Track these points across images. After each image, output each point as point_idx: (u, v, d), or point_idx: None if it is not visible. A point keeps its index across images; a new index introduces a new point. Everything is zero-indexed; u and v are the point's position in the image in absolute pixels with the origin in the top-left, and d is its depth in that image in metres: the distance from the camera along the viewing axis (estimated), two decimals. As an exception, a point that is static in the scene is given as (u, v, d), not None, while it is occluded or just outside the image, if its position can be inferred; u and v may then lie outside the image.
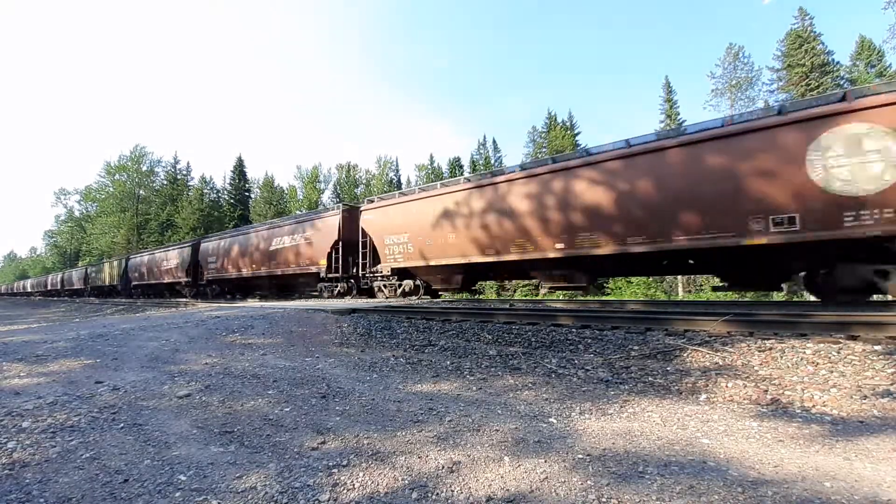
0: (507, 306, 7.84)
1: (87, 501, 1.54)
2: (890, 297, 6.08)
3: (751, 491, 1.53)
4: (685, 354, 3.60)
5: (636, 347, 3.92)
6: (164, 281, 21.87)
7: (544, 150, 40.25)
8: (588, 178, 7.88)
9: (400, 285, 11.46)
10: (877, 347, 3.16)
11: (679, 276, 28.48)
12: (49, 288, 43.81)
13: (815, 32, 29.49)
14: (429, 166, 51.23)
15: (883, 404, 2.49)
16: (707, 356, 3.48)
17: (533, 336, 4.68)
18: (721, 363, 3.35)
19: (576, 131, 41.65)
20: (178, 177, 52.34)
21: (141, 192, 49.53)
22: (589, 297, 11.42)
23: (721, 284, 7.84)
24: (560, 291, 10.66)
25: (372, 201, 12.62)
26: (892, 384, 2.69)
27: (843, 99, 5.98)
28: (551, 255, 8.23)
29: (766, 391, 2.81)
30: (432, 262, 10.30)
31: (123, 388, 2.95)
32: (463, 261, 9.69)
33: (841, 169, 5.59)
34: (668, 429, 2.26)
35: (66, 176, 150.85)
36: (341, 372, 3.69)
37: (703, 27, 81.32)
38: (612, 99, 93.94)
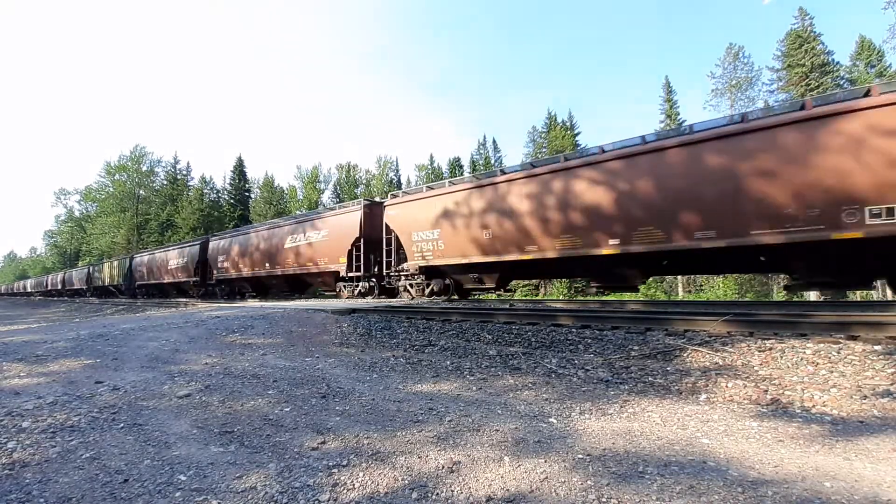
0: (507, 306, 7.84)
1: (87, 501, 1.54)
2: (890, 297, 6.04)
3: (751, 491, 1.53)
4: (685, 354, 3.60)
5: (636, 347, 3.92)
6: (171, 280, 21.32)
7: (544, 150, 40.24)
8: (650, 167, 7.10)
9: (428, 284, 10.77)
10: (877, 347, 3.16)
11: (679, 276, 28.44)
12: (50, 288, 43.31)
13: (815, 32, 29.48)
14: (429, 166, 51.24)
15: (883, 404, 2.49)
16: (707, 356, 3.48)
17: (533, 336, 4.68)
18: (721, 363, 3.35)
19: (576, 131, 41.64)
20: (178, 177, 52.31)
21: (141, 192, 49.52)
22: (589, 297, 11.31)
23: (795, 283, 7.13)
24: (609, 292, 9.93)
25: (396, 195, 11.99)
26: (892, 384, 2.69)
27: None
28: (606, 251, 7.46)
29: (766, 391, 2.81)
30: (466, 260, 9.64)
31: (123, 388, 2.95)
32: (501, 259, 8.99)
33: None
34: (668, 429, 2.26)
35: (66, 176, 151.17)
36: (341, 372, 3.69)
37: (703, 27, 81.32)
38: (613, 99, 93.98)
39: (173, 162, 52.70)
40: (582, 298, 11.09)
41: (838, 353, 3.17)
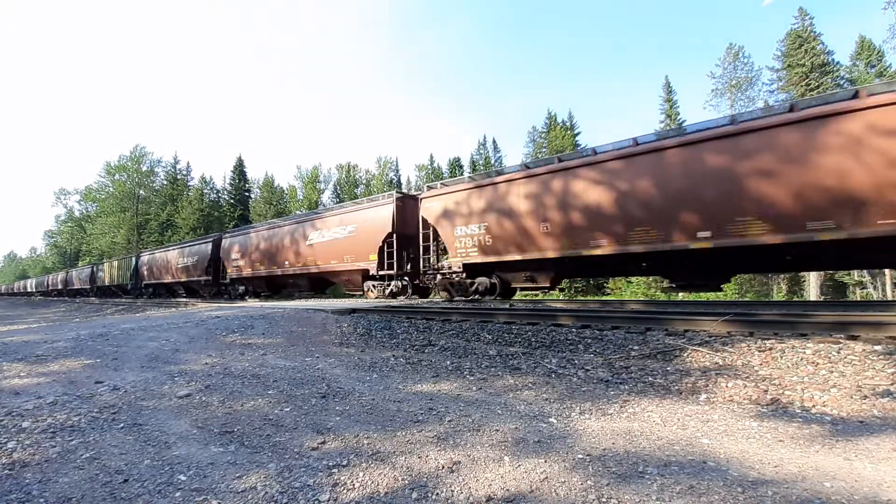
0: (507, 306, 7.80)
1: (87, 501, 1.54)
2: (890, 297, 6.03)
3: (751, 491, 1.53)
4: (685, 354, 3.60)
5: (636, 347, 3.92)
6: (180, 280, 20.50)
7: (544, 150, 40.24)
8: (745, 150, 6.36)
9: (472, 284, 9.94)
10: (877, 347, 3.16)
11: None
12: (52, 288, 42.56)
13: (815, 32, 29.47)
14: (429, 166, 51.25)
15: (883, 404, 2.49)
16: (707, 356, 3.48)
17: (533, 336, 4.68)
18: (721, 363, 3.35)
19: (576, 131, 41.66)
20: (178, 177, 52.32)
21: (141, 192, 49.54)
22: (589, 297, 11.12)
23: None
24: (691, 291, 8.68)
25: (433, 187, 11.09)
26: (892, 384, 2.69)
27: None
28: (695, 245, 6.62)
29: (766, 391, 2.81)
30: (519, 257, 8.81)
31: (123, 388, 2.95)
32: (562, 255, 8.14)
33: None
34: (668, 429, 2.26)
35: (66, 176, 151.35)
36: (341, 372, 3.69)
37: (703, 27, 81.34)
38: (612, 99, 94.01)
39: (173, 162, 52.77)
40: (582, 298, 10.87)
41: (838, 353, 3.17)
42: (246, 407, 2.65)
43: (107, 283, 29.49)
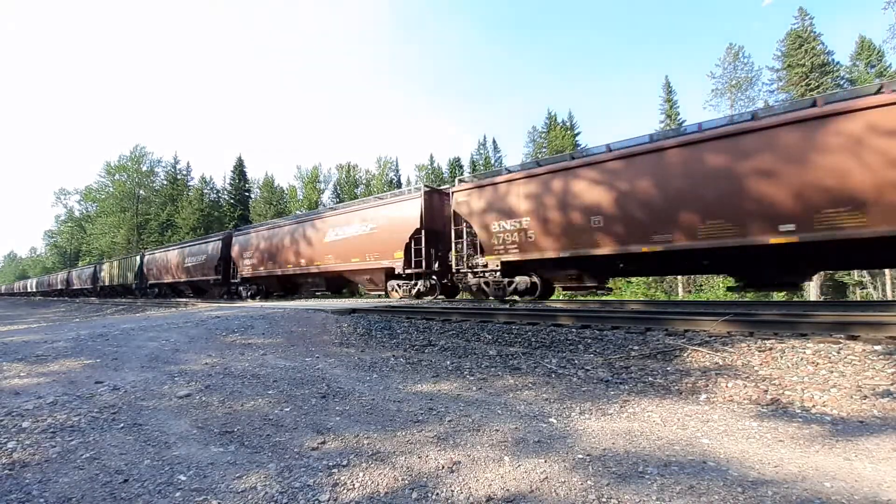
0: (507, 306, 7.79)
1: (87, 501, 1.54)
2: (890, 297, 6.02)
3: (751, 491, 1.53)
4: (685, 354, 3.60)
5: (636, 347, 3.92)
6: (188, 279, 19.75)
7: (544, 150, 40.27)
8: (839, 132, 5.69)
9: (511, 283, 9.32)
10: (877, 347, 3.16)
11: (679, 277, 28.42)
12: (54, 287, 41.75)
13: (815, 32, 29.48)
14: (429, 166, 51.25)
15: (883, 404, 2.49)
16: (707, 356, 3.48)
17: (533, 336, 4.68)
18: (721, 363, 3.35)
19: (576, 131, 41.69)
20: (178, 177, 52.33)
21: (141, 192, 49.55)
22: (589, 297, 10.92)
23: None
24: (765, 291, 8.29)
25: (464, 180, 10.43)
26: (892, 384, 2.69)
27: None
28: (775, 240, 6.01)
29: (766, 391, 2.81)
30: (566, 254, 8.13)
31: (123, 388, 2.95)
32: (618, 251, 7.47)
33: None
34: (668, 429, 2.26)
35: (66, 176, 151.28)
36: (341, 372, 3.69)
37: (703, 27, 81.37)
38: (612, 99, 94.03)
39: (173, 162, 52.79)
40: (582, 298, 10.66)
41: (838, 353, 3.17)
42: (246, 407, 2.65)
43: (110, 283, 28.79)
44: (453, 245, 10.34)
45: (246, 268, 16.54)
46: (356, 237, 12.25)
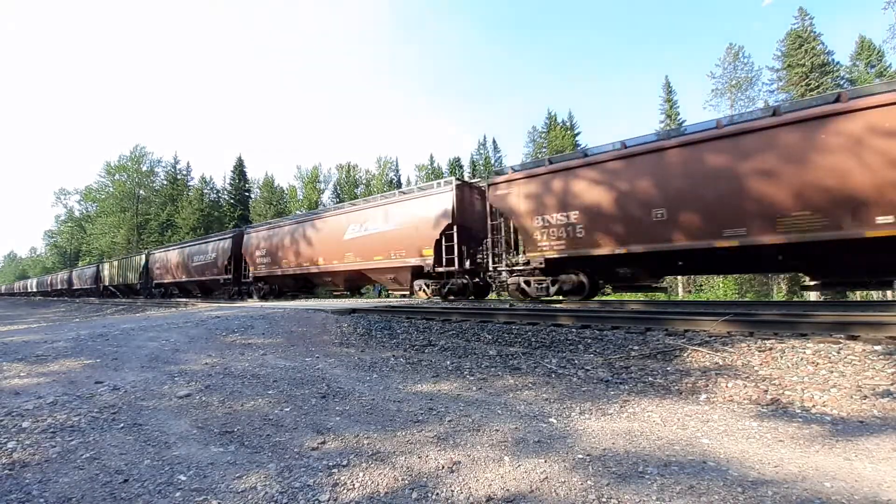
0: (507, 306, 7.77)
1: (87, 501, 1.54)
2: (890, 297, 5.97)
3: (751, 491, 1.53)
4: (685, 354, 3.60)
5: (636, 347, 3.92)
6: (196, 279, 19.13)
7: (544, 150, 40.28)
8: None
9: (555, 281, 8.65)
10: (877, 347, 3.16)
11: (679, 276, 28.40)
12: (55, 288, 40.96)
13: (814, 32, 29.51)
14: (429, 166, 51.28)
15: (883, 404, 2.49)
16: (707, 356, 3.48)
17: (533, 336, 4.68)
18: (721, 363, 3.35)
19: (576, 131, 41.71)
20: (178, 177, 52.37)
21: (141, 192, 49.59)
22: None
23: None
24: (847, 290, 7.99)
25: (501, 172, 9.73)
26: (892, 384, 2.69)
27: None
28: (869, 233, 5.48)
29: (766, 391, 2.81)
30: (621, 250, 7.49)
31: (123, 388, 2.95)
32: (683, 246, 6.86)
33: None
34: (668, 429, 2.26)
35: (66, 176, 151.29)
36: (341, 372, 3.69)
37: (703, 27, 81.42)
38: (612, 99, 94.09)
39: (173, 162, 52.87)
40: (582, 298, 10.53)
41: (838, 353, 3.17)
42: (246, 407, 2.65)
43: (113, 283, 27.96)
44: (489, 241, 9.62)
45: (259, 267, 15.94)
46: (380, 234, 11.54)
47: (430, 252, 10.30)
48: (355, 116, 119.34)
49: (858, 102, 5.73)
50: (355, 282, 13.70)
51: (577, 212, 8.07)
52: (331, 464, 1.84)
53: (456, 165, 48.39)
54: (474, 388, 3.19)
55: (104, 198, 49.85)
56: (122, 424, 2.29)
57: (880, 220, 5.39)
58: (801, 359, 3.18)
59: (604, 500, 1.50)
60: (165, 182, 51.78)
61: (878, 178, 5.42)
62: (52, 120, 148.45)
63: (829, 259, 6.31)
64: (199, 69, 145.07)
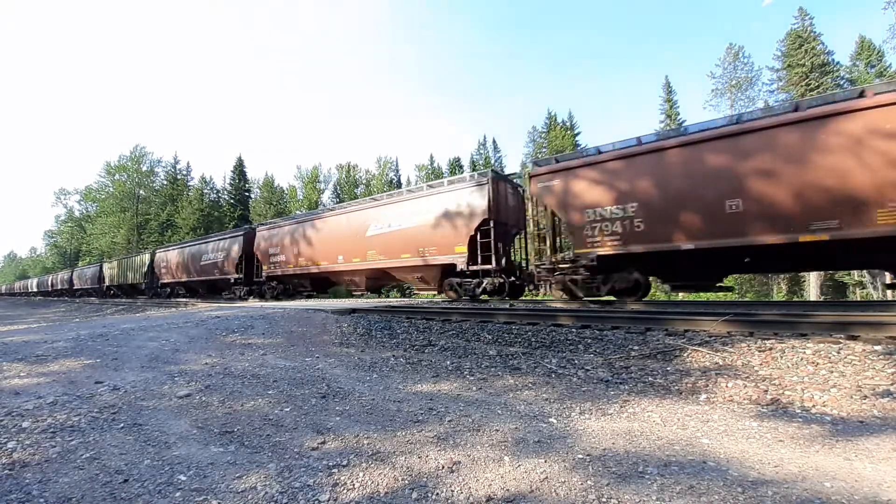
0: (507, 306, 7.76)
1: (87, 501, 1.54)
2: (890, 297, 5.90)
3: (751, 491, 1.53)
4: (685, 354, 3.60)
5: (636, 347, 3.92)
6: (205, 278, 18.54)
7: (544, 149, 40.25)
8: None
9: (606, 280, 8.00)
10: (877, 347, 3.16)
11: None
12: (56, 288, 40.40)
13: (815, 32, 29.51)
14: (429, 166, 51.23)
15: (883, 404, 2.49)
16: (707, 356, 3.48)
17: (533, 336, 4.68)
18: (721, 363, 3.35)
19: (576, 131, 41.66)
20: (178, 177, 52.35)
21: (141, 192, 49.58)
22: (589, 297, 10.68)
23: None
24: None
25: (544, 162, 9.00)
26: (892, 384, 2.69)
27: None
28: None
29: (766, 391, 2.81)
30: (690, 245, 6.78)
31: (123, 388, 2.95)
32: (765, 241, 6.19)
33: None
34: (668, 429, 2.26)
35: (66, 176, 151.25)
36: (341, 372, 3.69)
37: (703, 27, 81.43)
38: (612, 99, 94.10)
39: (173, 162, 52.81)
40: (581, 298, 10.39)
41: (838, 353, 3.17)
42: (246, 407, 2.65)
43: (117, 283, 27.32)
44: (531, 237, 9.01)
45: (272, 266, 15.32)
46: (407, 230, 10.89)
47: (463, 249, 9.72)
48: (355, 116, 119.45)
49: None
50: (378, 281, 13.03)
51: (635, 204, 7.31)
52: (331, 464, 1.84)
53: (456, 165, 48.32)
54: (474, 388, 3.19)
55: (104, 198, 49.84)
56: (122, 424, 2.29)
57: None
58: (801, 359, 3.18)
59: (604, 500, 1.50)
60: (165, 182, 51.75)
61: None
62: (52, 120, 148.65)
63: None
64: (199, 69, 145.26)
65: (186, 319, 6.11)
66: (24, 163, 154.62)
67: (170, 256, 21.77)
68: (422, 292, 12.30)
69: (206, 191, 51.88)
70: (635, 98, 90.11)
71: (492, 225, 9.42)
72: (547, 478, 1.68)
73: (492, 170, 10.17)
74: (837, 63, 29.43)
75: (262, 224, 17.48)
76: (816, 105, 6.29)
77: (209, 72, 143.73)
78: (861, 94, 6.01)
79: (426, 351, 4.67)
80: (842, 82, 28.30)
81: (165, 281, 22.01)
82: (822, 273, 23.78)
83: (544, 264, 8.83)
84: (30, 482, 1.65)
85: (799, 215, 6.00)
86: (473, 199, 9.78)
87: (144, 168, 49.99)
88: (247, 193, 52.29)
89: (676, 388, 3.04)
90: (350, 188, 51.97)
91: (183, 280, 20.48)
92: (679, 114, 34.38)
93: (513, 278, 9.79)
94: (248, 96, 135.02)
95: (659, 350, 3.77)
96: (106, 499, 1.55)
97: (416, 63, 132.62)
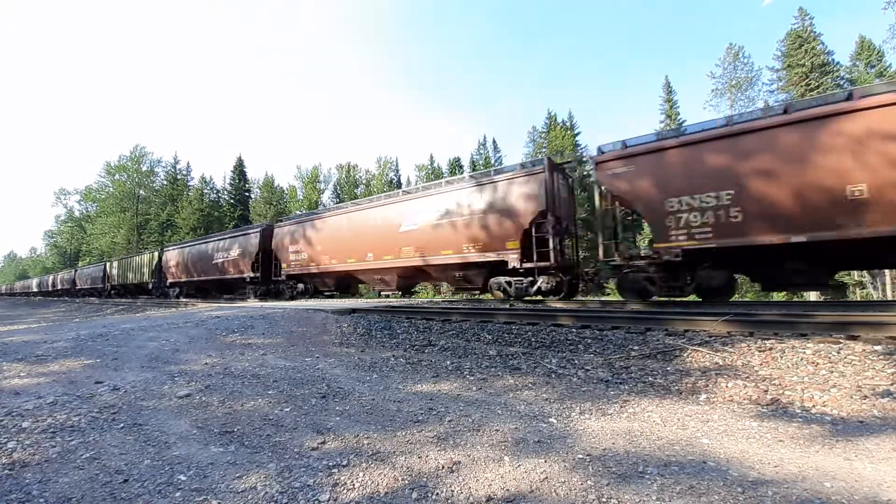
0: (507, 306, 7.74)
1: (87, 501, 1.54)
2: (890, 297, 5.83)
3: (751, 491, 1.53)
4: (685, 354, 3.60)
5: (636, 347, 3.92)
6: (218, 277, 17.60)
7: (544, 150, 40.22)
8: None
9: (690, 279, 7.23)
10: (877, 347, 3.16)
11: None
12: (58, 287, 39.67)
13: (814, 32, 29.49)
14: (429, 166, 51.21)
15: (883, 404, 2.49)
16: (707, 356, 3.48)
17: (533, 336, 4.68)
18: (721, 363, 3.35)
19: (576, 131, 41.63)
20: (178, 177, 52.34)
21: (141, 192, 49.58)
22: (588, 297, 10.50)
23: None
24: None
25: (605, 149, 8.07)
26: (892, 384, 2.69)
27: None
28: None
29: (766, 391, 2.81)
30: (800, 238, 5.96)
31: (123, 388, 2.95)
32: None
33: None
34: (668, 429, 2.26)
35: (66, 176, 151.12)
36: (341, 372, 3.69)
37: (703, 27, 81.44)
38: (612, 99, 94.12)
39: (173, 162, 52.80)
40: (582, 298, 10.21)
41: (838, 353, 3.17)
42: (246, 407, 2.65)
43: (122, 283, 26.23)
44: (603, 230, 8.15)
45: (293, 264, 14.34)
46: (448, 224, 10.07)
47: (515, 245, 8.85)
48: (355, 116, 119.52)
49: None
50: (411, 280, 12.13)
51: (730, 191, 6.45)
52: (331, 464, 1.84)
53: (456, 165, 48.29)
54: (474, 388, 3.19)
55: (104, 198, 49.84)
56: (122, 424, 2.29)
57: None
58: (801, 359, 3.18)
59: (604, 500, 1.50)
60: (165, 182, 51.74)
61: None
62: (52, 120, 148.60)
63: None
64: (199, 69, 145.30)
65: (186, 319, 6.11)
66: (24, 163, 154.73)
67: (180, 254, 20.68)
68: (463, 292, 11.51)
69: (206, 191, 51.87)
70: (635, 98, 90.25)
71: (548, 219, 8.62)
72: (547, 478, 1.68)
73: (548, 157, 9.26)
74: (837, 63, 29.44)
75: (281, 220, 16.73)
76: None
77: (209, 72, 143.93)
78: None
79: (426, 351, 4.66)
80: (842, 82, 28.30)
81: (175, 280, 20.99)
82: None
83: (613, 260, 7.94)
84: (30, 482, 1.65)
85: None
86: (528, 189, 8.90)
87: (144, 168, 50.00)
88: (247, 193, 52.28)
89: (676, 388, 3.04)
90: (350, 188, 51.95)
91: (194, 279, 19.49)
92: (679, 114, 34.37)
93: (569, 277, 9.08)
94: (248, 96, 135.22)
95: (659, 350, 3.77)
96: (106, 499, 1.55)
97: (416, 63, 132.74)
